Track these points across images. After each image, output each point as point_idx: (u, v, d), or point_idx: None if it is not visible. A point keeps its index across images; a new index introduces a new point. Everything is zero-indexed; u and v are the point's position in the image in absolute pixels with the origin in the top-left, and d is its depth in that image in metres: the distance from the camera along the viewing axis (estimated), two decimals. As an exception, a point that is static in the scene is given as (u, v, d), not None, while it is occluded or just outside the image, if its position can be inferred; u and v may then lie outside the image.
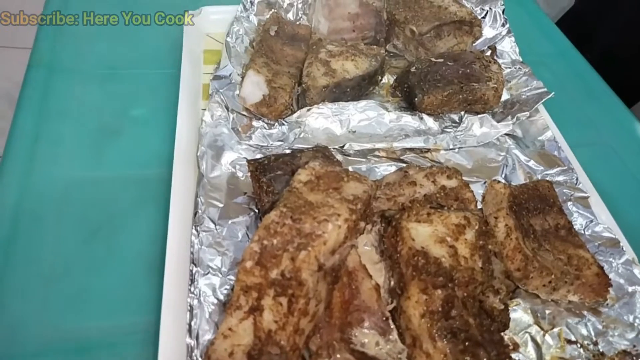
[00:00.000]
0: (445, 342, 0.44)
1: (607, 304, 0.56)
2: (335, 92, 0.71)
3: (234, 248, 0.55)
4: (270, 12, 0.83)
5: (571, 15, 1.26)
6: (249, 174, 0.60)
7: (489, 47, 0.83)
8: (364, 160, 0.68)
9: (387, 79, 0.80)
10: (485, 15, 0.87)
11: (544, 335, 0.53)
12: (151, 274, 0.55)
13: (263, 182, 0.56)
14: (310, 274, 0.44)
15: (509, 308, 0.52)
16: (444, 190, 0.59)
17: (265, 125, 0.69)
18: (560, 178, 0.68)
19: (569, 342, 0.53)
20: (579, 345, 0.53)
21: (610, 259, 0.59)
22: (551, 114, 0.75)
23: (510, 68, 0.82)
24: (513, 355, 0.50)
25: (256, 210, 0.59)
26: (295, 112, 0.69)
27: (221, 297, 0.51)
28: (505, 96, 0.77)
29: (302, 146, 0.66)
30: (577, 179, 0.67)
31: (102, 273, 0.56)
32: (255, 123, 0.69)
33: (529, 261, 0.54)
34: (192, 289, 0.51)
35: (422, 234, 0.50)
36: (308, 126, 0.68)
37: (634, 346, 0.53)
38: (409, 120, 0.71)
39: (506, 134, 0.73)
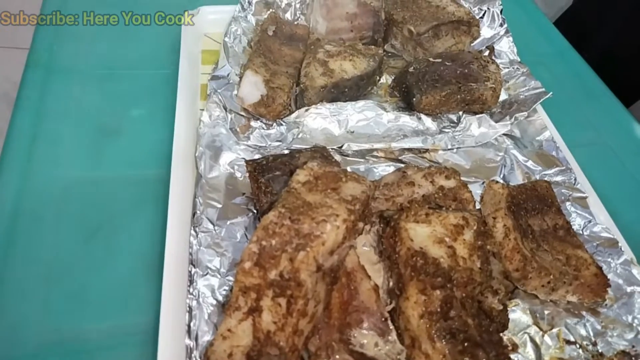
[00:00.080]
0: (444, 342, 0.44)
1: (606, 305, 0.56)
2: (334, 92, 0.71)
3: (233, 249, 0.55)
4: (268, 12, 0.82)
5: (569, 15, 1.27)
6: (247, 174, 0.59)
7: (487, 47, 0.83)
8: (362, 160, 0.68)
9: (385, 79, 0.80)
10: (483, 15, 0.87)
11: (542, 335, 0.53)
12: (150, 275, 0.54)
13: (261, 183, 0.56)
14: (309, 275, 0.44)
15: (508, 308, 0.51)
16: (443, 191, 0.59)
17: (264, 125, 0.69)
18: (559, 178, 0.68)
19: (568, 342, 0.53)
20: (578, 346, 0.53)
21: (609, 259, 0.59)
22: (549, 114, 0.75)
23: (508, 68, 0.82)
24: (512, 356, 0.50)
25: (255, 211, 0.59)
26: (293, 112, 0.69)
27: (220, 298, 0.51)
28: (503, 96, 0.77)
29: (301, 146, 0.66)
30: (575, 179, 0.67)
31: (101, 273, 0.56)
32: (253, 123, 0.69)
33: (528, 261, 0.54)
34: (191, 289, 0.51)
35: (421, 234, 0.50)
36: (306, 126, 0.68)
37: (633, 346, 0.53)
38: (407, 120, 0.71)
39: (504, 134, 0.73)
